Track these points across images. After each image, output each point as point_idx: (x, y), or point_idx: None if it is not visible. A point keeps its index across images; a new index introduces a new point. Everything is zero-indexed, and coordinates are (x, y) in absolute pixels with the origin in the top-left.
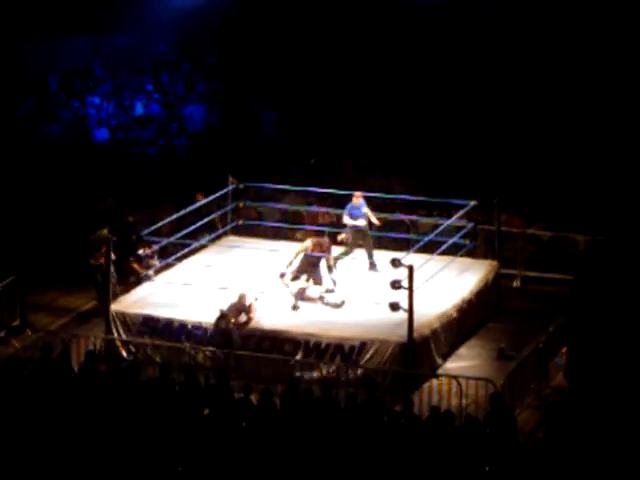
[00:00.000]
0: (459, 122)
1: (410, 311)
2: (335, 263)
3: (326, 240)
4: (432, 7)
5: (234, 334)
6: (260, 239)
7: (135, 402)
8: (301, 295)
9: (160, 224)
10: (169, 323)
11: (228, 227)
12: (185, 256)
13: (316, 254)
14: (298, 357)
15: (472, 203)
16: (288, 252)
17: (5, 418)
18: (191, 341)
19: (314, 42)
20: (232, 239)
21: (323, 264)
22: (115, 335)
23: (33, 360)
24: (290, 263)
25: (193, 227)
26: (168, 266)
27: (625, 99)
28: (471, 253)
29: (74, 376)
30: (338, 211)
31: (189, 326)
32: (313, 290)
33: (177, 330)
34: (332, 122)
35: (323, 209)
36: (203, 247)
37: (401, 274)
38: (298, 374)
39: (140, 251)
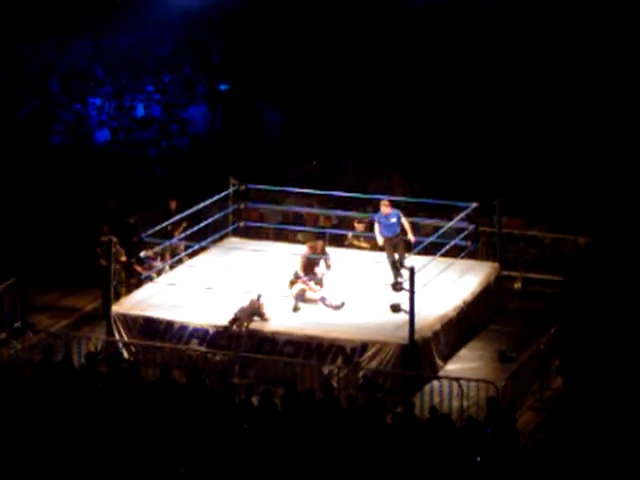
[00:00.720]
0: (460, 124)
1: (411, 313)
2: (328, 266)
3: (320, 243)
4: (434, 10)
5: (244, 338)
6: (261, 241)
7: (136, 404)
8: (301, 297)
9: (161, 226)
10: (170, 325)
11: (230, 229)
12: (187, 257)
13: (313, 256)
14: (299, 359)
15: (473, 205)
16: (289, 254)
17: (5, 421)
18: (192, 343)
19: (317, 44)
20: (233, 241)
21: (322, 266)
22: (117, 337)
23: (32, 363)
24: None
25: (195, 228)
26: (170, 268)
27: (625, 102)
28: (472, 255)
29: (75, 377)
30: (339, 213)
31: (190, 328)
32: (314, 291)
33: (178, 332)
34: (334, 124)
35: (325, 211)
36: (205, 249)
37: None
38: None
39: (142, 253)
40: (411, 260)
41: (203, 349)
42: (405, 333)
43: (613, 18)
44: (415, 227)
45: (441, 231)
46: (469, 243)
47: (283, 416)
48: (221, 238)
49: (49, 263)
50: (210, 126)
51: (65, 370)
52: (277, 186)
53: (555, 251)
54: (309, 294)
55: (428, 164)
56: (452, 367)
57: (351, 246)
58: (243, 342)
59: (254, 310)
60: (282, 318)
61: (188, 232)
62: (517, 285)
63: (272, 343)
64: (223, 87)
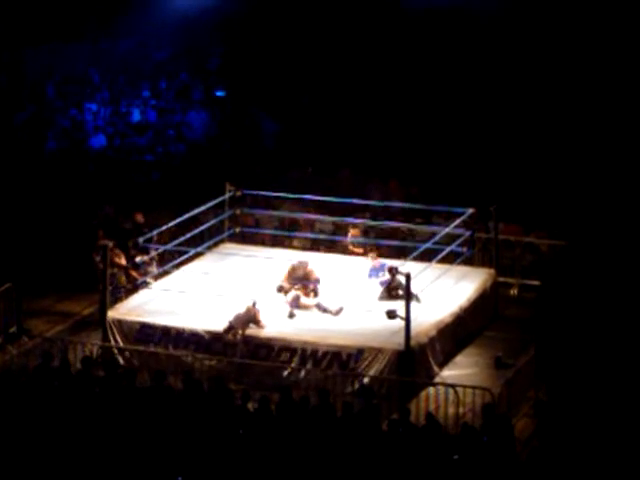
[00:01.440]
0: (457, 130)
1: (407, 319)
2: (316, 290)
3: (305, 263)
4: (430, 17)
5: (239, 346)
6: (257, 246)
7: (132, 409)
8: (296, 303)
9: (157, 231)
10: (166, 331)
11: (225, 234)
12: (183, 263)
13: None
14: (294, 365)
15: (470, 211)
16: (285, 260)
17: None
18: (188, 349)
19: (314, 50)
20: (229, 246)
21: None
22: (112, 342)
23: (27, 369)
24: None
25: (191, 234)
26: (165, 273)
27: (622, 108)
28: (469, 261)
29: (72, 382)
30: (335, 219)
31: (186, 334)
32: (308, 298)
33: (174, 338)
34: (331, 130)
35: (320, 217)
36: (200, 254)
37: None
38: (293, 379)
39: (137, 258)
40: (407, 266)
41: (199, 355)
42: (401, 339)
43: (610, 25)
44: (411, 233)
45: (437, 237)
46: (465, 249)
47: (278, 422)
48: (217, 244)
49: (45, 268)
50: (206, 132)
51: (63, 375)
52: (273, 192)
53: (551, 257)
54: (304, 300)
55: (425, 170)
56: (448, 373)
57: (347, 252)
58: (239, 349)
59: (250, 317)
60: (278, 324)
61: (182, 238)
62: (513, 291)
63: (268, 349)
64: (220, 93)
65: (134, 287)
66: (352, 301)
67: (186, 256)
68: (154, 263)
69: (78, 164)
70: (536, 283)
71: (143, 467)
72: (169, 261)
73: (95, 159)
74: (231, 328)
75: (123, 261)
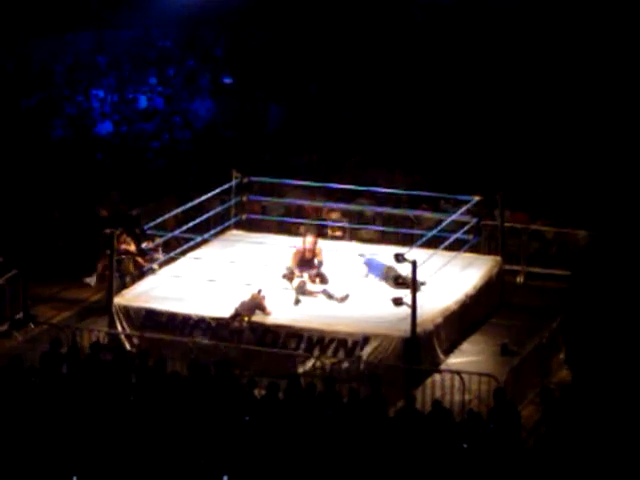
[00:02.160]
0: (463, 117)
1: (413, 306)
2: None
3: (311, 237)
4: (437, 5)
5: (246, 333)
6: (264, 233)
7: (140, 394)
8: (302, 289)
9: (163, 218)
10: (172, 317)
11: (232, 221)
12: (189, 250)
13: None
14: (301, 351)
15: (476, 198)
16: (291, 246)
17: (10, 413)
18: (195, 335)
19: (320, 38)
20: (236, 233)
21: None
22: (119, 329)
23: (34, 355)
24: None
25: (197, 221)
26: (172, 260)
27: (628, 95)
28: (475, 248)
29: (80, 367)
30: (341, 205)
31: (193, 320)
32: (314, 284)
33: (180, 324)
34: (337, 116)
35: (327, 204)
36: (207, 241)
37: (404, 269)
38: (301, 369)
39: (143, 245)
40: (413, 253)
41: (206, 341)
42: (407, 326)
43: (614, 16)
44: (418, 220)
45: (443, 224)
46: (471, 237)
47: (285, 408)
48: (223, 231)
49: (51, 255)
50: (213, 119)
51: (71, 361)
52: (279, 178)
53: (557, 245)
54: (310, 287)
55: (431, 157)
56: (454, 360)
57: (328, 237)
58: (245, 335)
59: (255, 304)
60: (284, 311)
61: (189, 225)
62: (519, 279)
63: (274, 336)
64: (227, 80)
65: (141, 273)
66: (358, 288)
67: (192, 243)
68: (160, 250)
69: (85, 151)
70: (540, 270)
71: (150, 453)
72: (175, 248)
73: (102, 146)
74: (237, 315)
75: (132, 247)
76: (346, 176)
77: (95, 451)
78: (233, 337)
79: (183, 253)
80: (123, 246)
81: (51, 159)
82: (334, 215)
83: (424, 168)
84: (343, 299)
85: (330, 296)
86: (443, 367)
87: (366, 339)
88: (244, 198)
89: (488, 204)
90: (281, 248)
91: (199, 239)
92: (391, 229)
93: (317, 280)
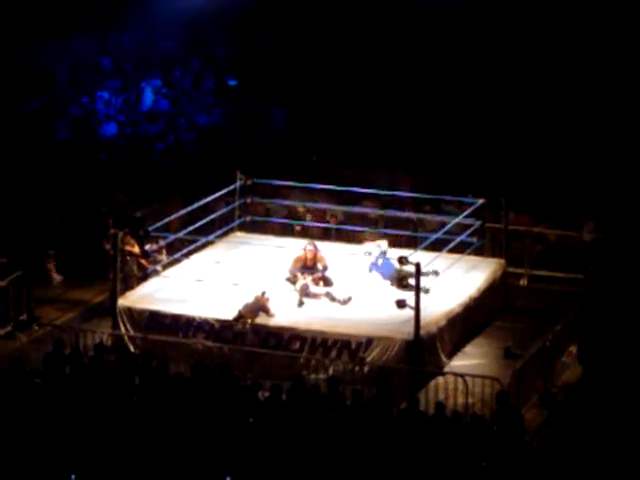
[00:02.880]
0: (467, 120)
1: (417, 308)
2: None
3: (311, 246)
4: (440, 3)
5: (249, 335)
6: (267, 235)
7: (144, 395)
8: (305, 291)
9: (168, 219)
10: (176, 318)
11: (236, 223)
12: (193, 252)
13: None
14: (304, 354)
15: (480, 201)
16: (295, 248)
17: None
18: (198, 337)
19: (323, 40)
20: (239, 235)
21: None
22: (122, 330)
23: (38, 356)
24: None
25: (201, 223)
26: (175, 262)
27: (631, 97)
28: (478, 251)
29: (84, 367)
30: (344, 208)
31: (196, 322)
32: (317, 286)
33: (184, 326)
34: (340, 118)
35: (330, 206)
36: (211, 243)
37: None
38: (305, 372)
39: (147, 246)
40: (417, 256)
41: (209, 343)
42: (410, 329)
43: (614, 16)
44: (421, 223)
45: (447, 227)
46: (475, 239)
47: (288, 410)
48: (227, 232)
49: (55, 256)
50: (217, 121)
51: (75, 362)
52: (282, 180)
53: (561, 248)
54: (313, 289)
55: (435, 160)
56: (457, 363)
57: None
58: (248, 337)
59: (259, 306)
60: (287, 313)
61: (193, 227)
62: (523, 282)
63: (277, 338)
64: (232, 82)
65: (144, 275)
66: (361, 290)
67: (196, 244)
68: (164, 251)
69: (90, 152)
70: (544, 273)
71: (153, 454)
72: (179, 249)
73: (106, 147)
74: (240, 317)
75: (136, 249)
76: (350, 178)
77: (98, 452)
78: (236, 339)
79: (187, 255)
80: (127, 247)
81: (56, 161)
82: (333, 220)
83: (428, 171)
84: (346, 302)
85: (333, 299)
86: (446, 370)
87: (370, 341)
88: (249, 200)
89: (492, 207)
90: (285, 250)
91: (203, 241)
92: (395, 232)
93: (321, 283)
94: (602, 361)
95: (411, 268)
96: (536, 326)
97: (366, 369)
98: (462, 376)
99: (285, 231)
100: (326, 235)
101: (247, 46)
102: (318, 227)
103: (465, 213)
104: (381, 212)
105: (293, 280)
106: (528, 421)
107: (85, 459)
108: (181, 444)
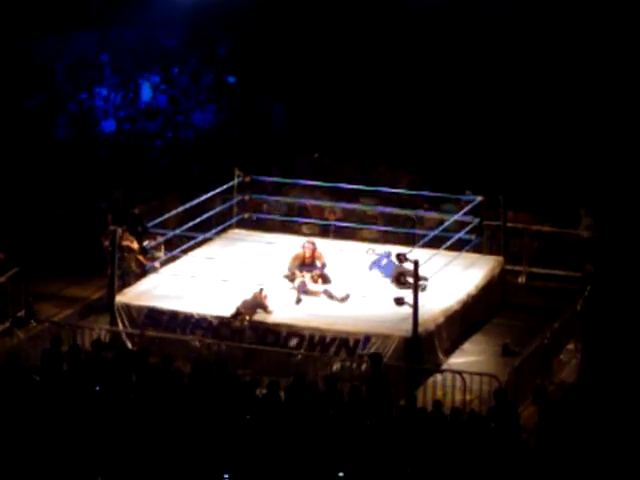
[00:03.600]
0: (465, 117)
1: (415, 306)
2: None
3: (310, 245)
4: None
5: (247, 333)
6: (266, 232)
7: (142, 392)
8: (303, 289)
9: (166, 216)
10: (174, 315)
11: (234, 220)
12: (191, 248)
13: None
14: (302, 351)
15: (478, 199)
16: (293, 246)
17: (10, 411)
18: (196, 333)
19: (321, 37)
20: (237, 232)
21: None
22: (120, 327)
23: (36, 353)
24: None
25: (199, 219)
26: (173, 258)
27: (629, 95)
28: (477, 249)
29: (82, 363)
30: (344, 205)
31: (194, 318)
32: (316, 284)
33: (182, 322)
34: (339, 116)
35: (329, 203)
36: (209, 240)
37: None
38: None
39: (145, 243)
40: (415, 253)
41: (207, 340)
42: (409, 326)
43: (614, 16)
44: (420, 220)
45: (446, 224)
46: (474, 237)
47: (286, 407)
48: (225, 229)
49: (53, 252)
50: (216, 118)
51: (72, 359)
52: (282, 178)
53: (559, 246)
54: (311, 286)
55: (433, 157)
56: (455, 360)
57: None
58: (246, 334)
59: (257, 303)
60: (285, 310)
61: (191, 224)
62: (521, 279)
63: (275, 335)
64: (231, 79)
65: (142, 272)
66: (359, 288)
67: (194, 241)
68: (162, 248)
69: (88, 149)
70: (542, 271)
71: (151, 451)
72: (177, 246)
73: (105, 144)
74: (238, 314)
75: (135, 245)
76: (349, 175)
77: (96, 448)
78: (234, 336)
79: (185, 252)
80: (125, 244)
81: (54, 157)
82: (332, 217)
83: (426, 168)
84: (344, 299)
85: (331, 296)
86: (444, 367)
87: (368, 338)
88: (246, 197)
89: (491, 204)
90: (283, 247)
91: (201, 238)
92: (393, 229)
93: (319, 280)
94: (603, 359)
95: (410, 265)
96: (534, 323)
97: (364, 366)
98: (460, 373)
99: (284, 228)
100: (325, 232)
101: (246, 43)
102: (319, 225)
103: (463, 210)
104: (375, 208)
105: (291, 277)
106: (526, 419)
107: (83, 455)
108: (179, 441)
